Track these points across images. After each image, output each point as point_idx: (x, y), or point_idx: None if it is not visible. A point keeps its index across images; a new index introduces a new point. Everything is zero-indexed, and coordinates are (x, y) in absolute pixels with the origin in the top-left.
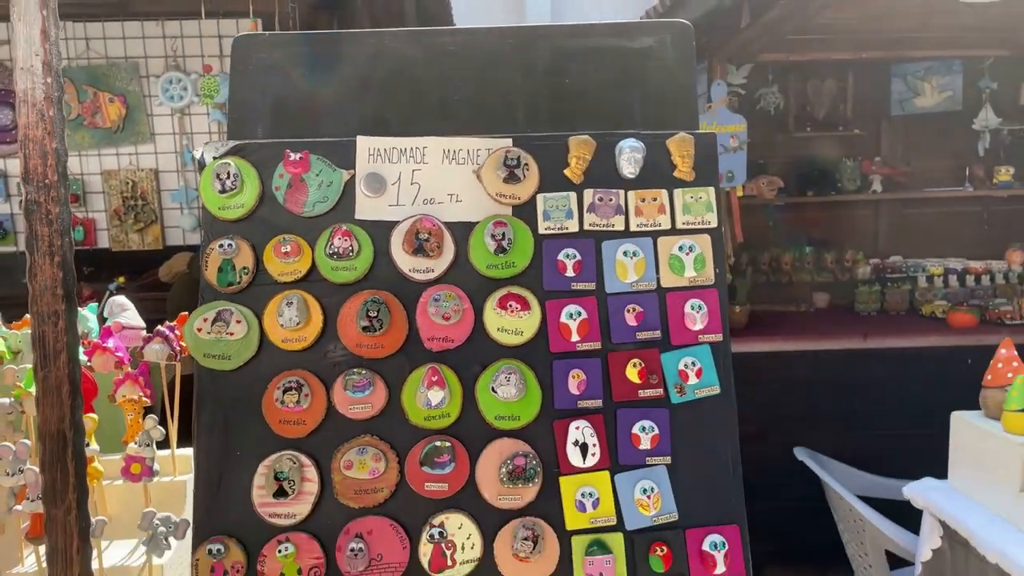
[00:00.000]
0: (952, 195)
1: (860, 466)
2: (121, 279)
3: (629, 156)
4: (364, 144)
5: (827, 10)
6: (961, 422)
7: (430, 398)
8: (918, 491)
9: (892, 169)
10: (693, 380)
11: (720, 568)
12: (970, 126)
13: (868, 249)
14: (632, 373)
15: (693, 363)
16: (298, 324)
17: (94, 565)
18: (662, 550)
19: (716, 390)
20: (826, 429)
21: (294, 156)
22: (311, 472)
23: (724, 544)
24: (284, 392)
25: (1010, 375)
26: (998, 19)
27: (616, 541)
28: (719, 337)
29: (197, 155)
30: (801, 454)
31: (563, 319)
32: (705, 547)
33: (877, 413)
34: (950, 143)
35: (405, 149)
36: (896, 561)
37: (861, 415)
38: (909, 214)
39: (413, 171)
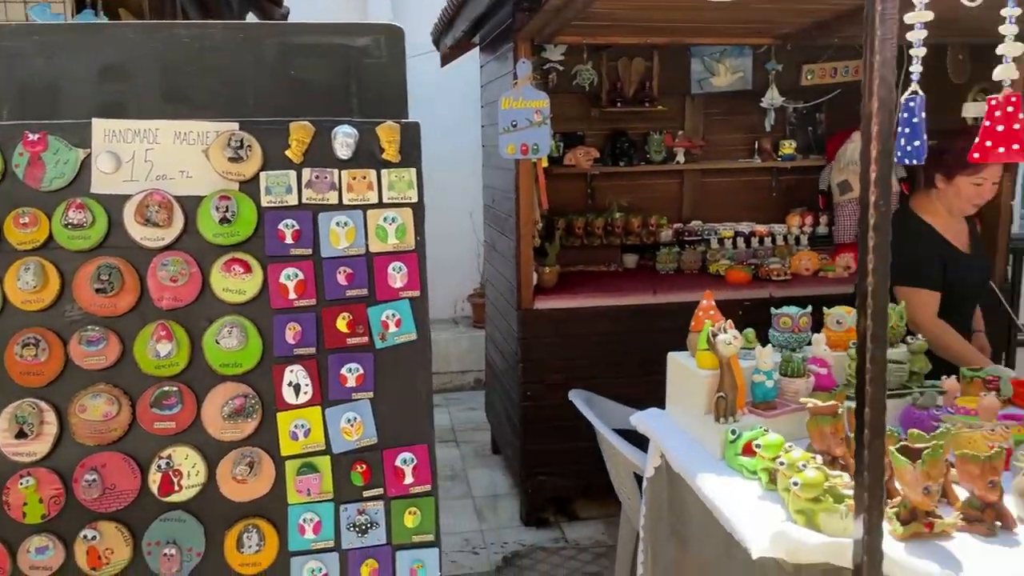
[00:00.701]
0: (744, 166)
1: (638, 405)
2: None
3: (343, 140)
4: (100, 126)
5: (597, 1)
6: (673, 360)
7: (159, 350)
8: (640, 419)
9: (691, 143)
10: (393, 329)
11: (408, 479)
12: (759, 104)
13: (673, 215)
14: (342, 324)
15: (393, 315)
16: (35, 287)
17: None
18: (362, 467)
19: (413, 336)
20: (622, 374)
21: (32, 136)
22: (50, 416)
23: (413, 459)
24: (23, 347)
25: (713, 322)
26: (750, 13)
27: (324, 463)
28: (416, 293)
29: None
30: (574, 395)
31: (282, 280)
32: (397, 463)
33: (661, 358)
34: (743, 119)
35: (139, 131)
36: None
37: (650, 360)
38: (708, 183)
39: (147, 150)
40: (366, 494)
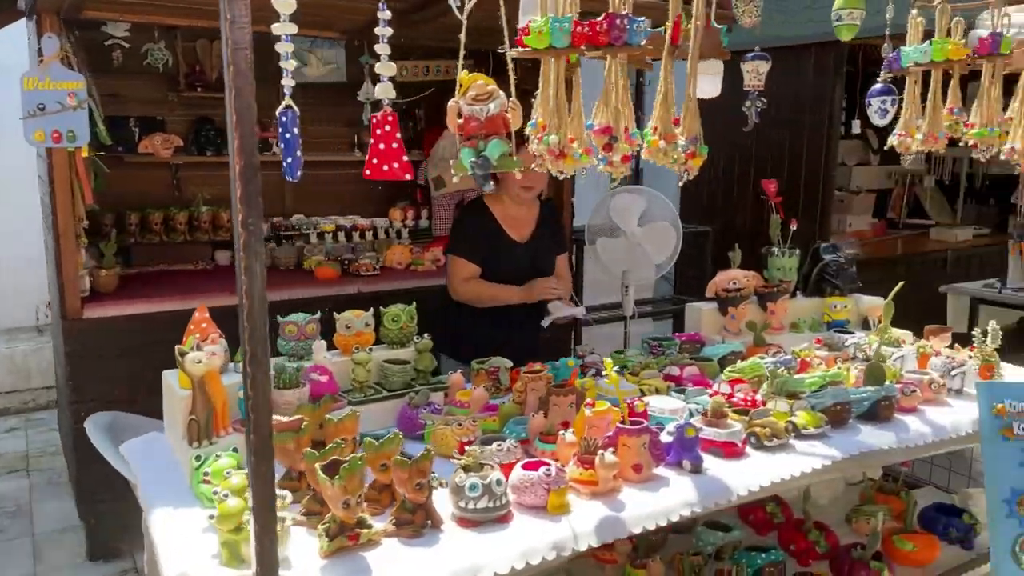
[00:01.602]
0: (348, 159)
1: None
2: None
3: None
4: None
5: None
6: (165, 379)
7: None
8: (130, 447)
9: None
10: None
11: None
12: (356, 97)
13: (274, 208)
14: None
15: None
16: None
17: None
18: None
19: None
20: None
21: None
22: None
23: None
24: None
25: (197, 335)
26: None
27: None
28: None
29: None
30: (92, 422)
31: None
32: None
33: None
34: (341, 112)
35: None
36: None
37: None
38: (312, 176)
39: None
40: None
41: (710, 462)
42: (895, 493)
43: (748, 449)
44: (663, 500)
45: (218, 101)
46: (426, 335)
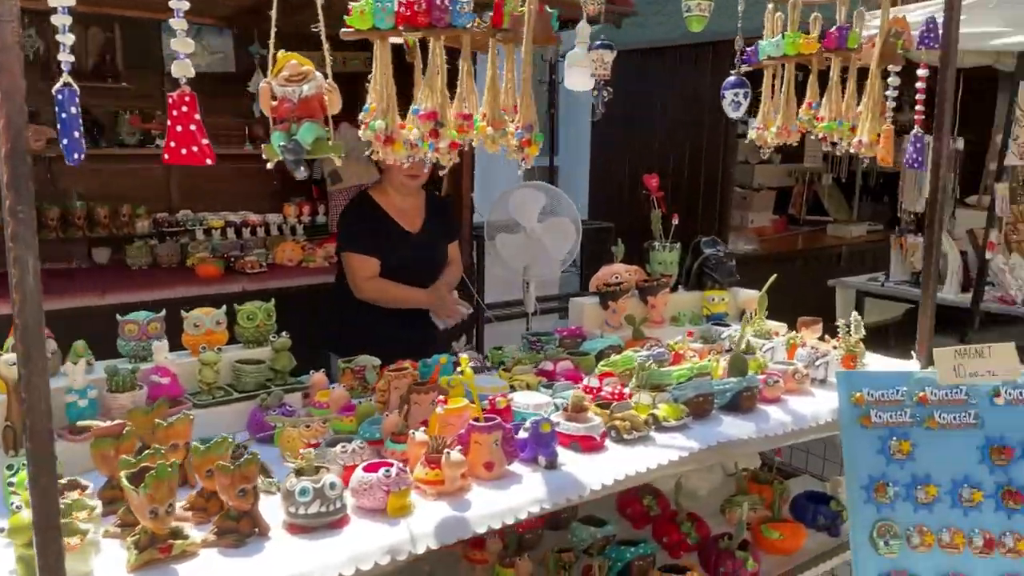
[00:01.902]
0: (241, 152)
1: None
2: None
3: None
4: None
5: None
6: None
7: None
8: None
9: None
10: None
11: None
12: (246, 88)
13: (160, 204)
14: None
15: None
16: None
17: None
18: None
19: None
20: None
21: None
22: None
23: None
24: None
25: None
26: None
27: None
28: None
29: None
30: None
31: None
32: None
33: None
34: (231, 103)
35: None
36: None
37: None
38: (200, 169)
39: None
40: None
41: (568, 457)
42: (769, 482)
43: (608, 443)
44: (512, 498)
45: (96, 91)
46: (284, 333)
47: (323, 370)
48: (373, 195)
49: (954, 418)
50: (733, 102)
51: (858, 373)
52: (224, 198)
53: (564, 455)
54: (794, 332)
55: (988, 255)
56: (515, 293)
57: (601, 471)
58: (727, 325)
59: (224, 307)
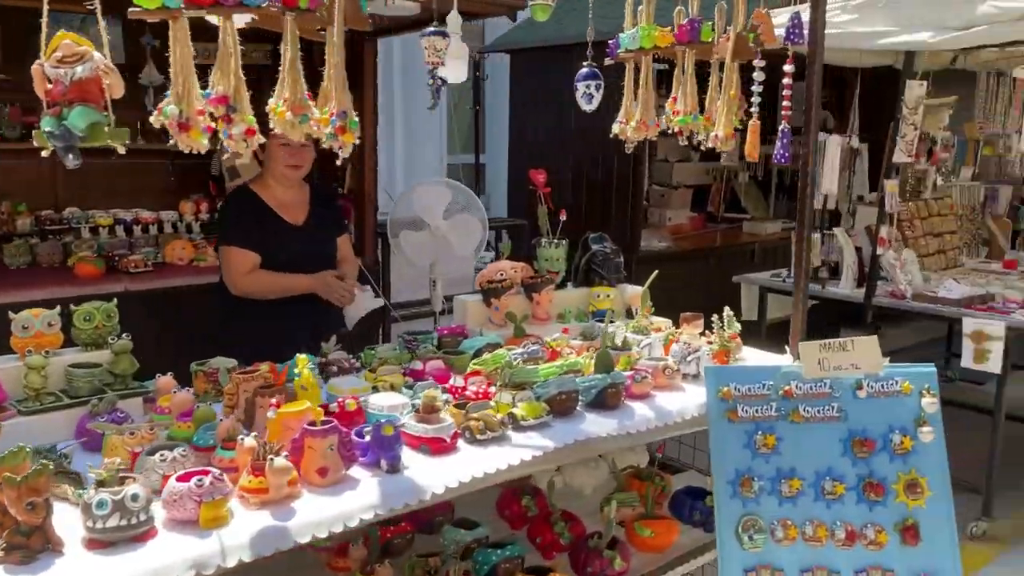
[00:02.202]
0: (132, 147)
1: None
2: None
3: None
4: None
5: None
6: None
7: None
8: None
9: None
10: None
11: None
12: (138, 81)
13: (44, 201)
14: None
15: None
16: None
17: None
18: None
19: None
20: None
21: None
22: None
23: None
24: None
25: None
26: None
27: None
28: None
29: None
30: None
31: None
32: None
33: None
34: (125, 95)
35: None
36: None
37: None
38: (91, 165)
39: None
40: None
41: (416, 460)
42: (650, 479)
43: (461, 444)
44: (345, 504)
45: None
46: (125, 335)
47: (171, 373)
48: (254, 188)
49: (818, 411)
50: (585, 94)
51: (726, 368)
52: (117, 195)
53: (412, 458)
54: (674, 328)
55: (879, 251)
56: (420, 292)
57: (448, 474)
58: (612, 322)
59: (58, 308)
